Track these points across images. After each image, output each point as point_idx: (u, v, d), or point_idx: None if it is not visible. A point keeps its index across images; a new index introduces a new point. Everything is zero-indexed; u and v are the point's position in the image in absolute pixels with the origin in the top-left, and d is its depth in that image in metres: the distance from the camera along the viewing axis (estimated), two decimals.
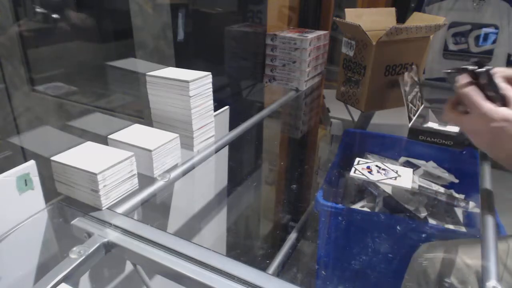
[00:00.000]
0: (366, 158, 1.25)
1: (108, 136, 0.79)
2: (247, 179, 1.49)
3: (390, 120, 1.36)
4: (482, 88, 0.66)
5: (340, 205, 1.00)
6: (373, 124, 1.41)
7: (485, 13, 1.79)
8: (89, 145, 0.73)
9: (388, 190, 1.09)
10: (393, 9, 1.34)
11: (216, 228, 1.15)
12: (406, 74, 1.11)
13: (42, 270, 0.67)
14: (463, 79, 0.67)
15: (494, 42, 1.81)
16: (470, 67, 0.66)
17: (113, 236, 0.61)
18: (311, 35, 1.43)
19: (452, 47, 1.90)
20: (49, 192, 0.69)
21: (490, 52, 1.84)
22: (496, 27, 1.79)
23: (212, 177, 1.08)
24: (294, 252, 1.29)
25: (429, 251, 0.87)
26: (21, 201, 0.63)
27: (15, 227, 0.63)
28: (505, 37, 1.79)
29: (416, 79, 1.19)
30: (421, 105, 1.19)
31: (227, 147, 0.99)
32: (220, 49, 1.56)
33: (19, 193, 0.62)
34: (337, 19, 1.24)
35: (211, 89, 0.88)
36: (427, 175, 1.19)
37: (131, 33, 1.28)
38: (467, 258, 0.78)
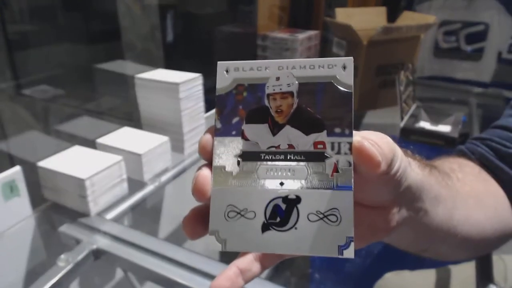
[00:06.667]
0: None
1: (97, 140, 0.77)
2: None
3: (382, 120, 1.36)
4: None
5: None
6: (364, 124, 1.40)
7: (475, 11, 1.80)
8: (77, 150, 0.72)
9: None
10: (383, 8, 1.34)
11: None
12: (402, 73, 1.11)
13: (30, 278, 0.66)
14: None
15: (484, 40, 1.82)
16: None
17: (102, 242, 0.60)
18: (302, 35, 1.42)
19: (443, 45, 1.91)
20: (36, 198, 0.68)
21: (480, 50, 1.85)
22: (487, 25, 1.80)
23: None
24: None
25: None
26: (7, 209, 0.61)
27: (1, 235, 0.61)
28: (495, 35, 1.80)
29: (411, 78, 1.19)
30: (413, 104, 1.19)
31: None
32: (210, 50, 1.54)
33: (4, 200, 0.61)
34: (328, 19, 1.24)
35: (202, 91, 0.87)
36: None
37: (119, 34, 1.26)
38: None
